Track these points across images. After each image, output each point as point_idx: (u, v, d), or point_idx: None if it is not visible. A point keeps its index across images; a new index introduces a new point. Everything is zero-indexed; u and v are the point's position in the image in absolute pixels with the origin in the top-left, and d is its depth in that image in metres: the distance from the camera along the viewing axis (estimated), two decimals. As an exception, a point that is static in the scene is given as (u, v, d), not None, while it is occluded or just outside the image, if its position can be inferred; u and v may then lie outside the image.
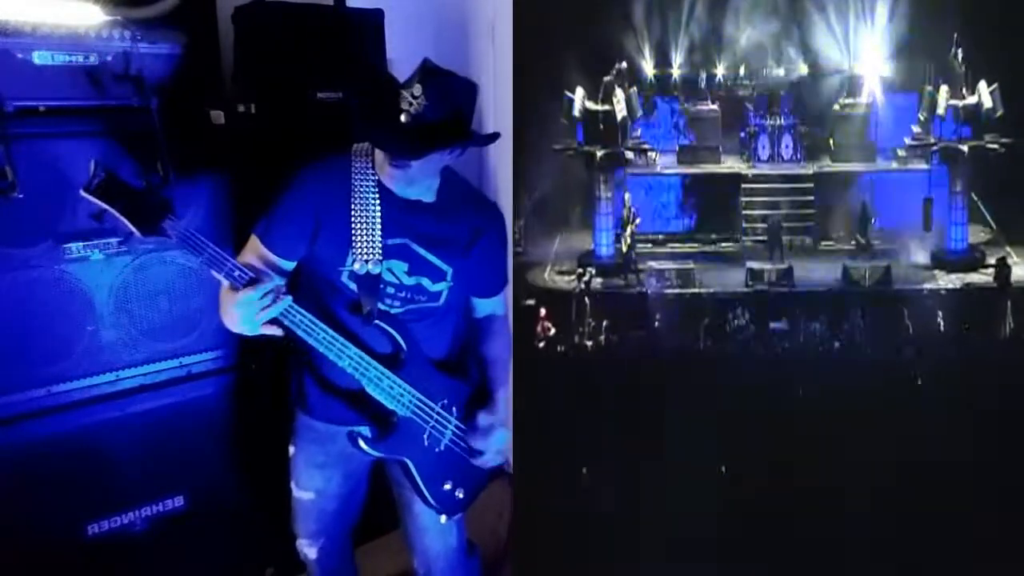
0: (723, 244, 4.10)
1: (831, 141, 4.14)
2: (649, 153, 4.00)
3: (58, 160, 2.23)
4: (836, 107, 4.11)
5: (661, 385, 3.17)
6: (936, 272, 3.76)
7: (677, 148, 4.16)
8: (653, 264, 3.81)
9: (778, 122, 4.12)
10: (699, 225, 4.17)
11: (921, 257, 3.84)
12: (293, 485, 2.18)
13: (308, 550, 2.25)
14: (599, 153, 3.79)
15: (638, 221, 3.79)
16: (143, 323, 2.44)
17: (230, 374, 2.64)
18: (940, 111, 3.74)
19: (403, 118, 1.74)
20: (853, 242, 3.96)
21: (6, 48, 2.12)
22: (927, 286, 3.68)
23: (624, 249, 3.75)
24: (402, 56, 3.10)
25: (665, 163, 4.12)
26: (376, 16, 2.88)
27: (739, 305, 3.60)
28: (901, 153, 4.01)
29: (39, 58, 2.17)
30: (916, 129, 3.94)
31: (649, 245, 4.01)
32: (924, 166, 3.89)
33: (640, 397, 3.16)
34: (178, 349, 2.52)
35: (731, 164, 4.17)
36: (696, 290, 3.70)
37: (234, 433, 2.65)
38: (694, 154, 4.14)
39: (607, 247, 3.84)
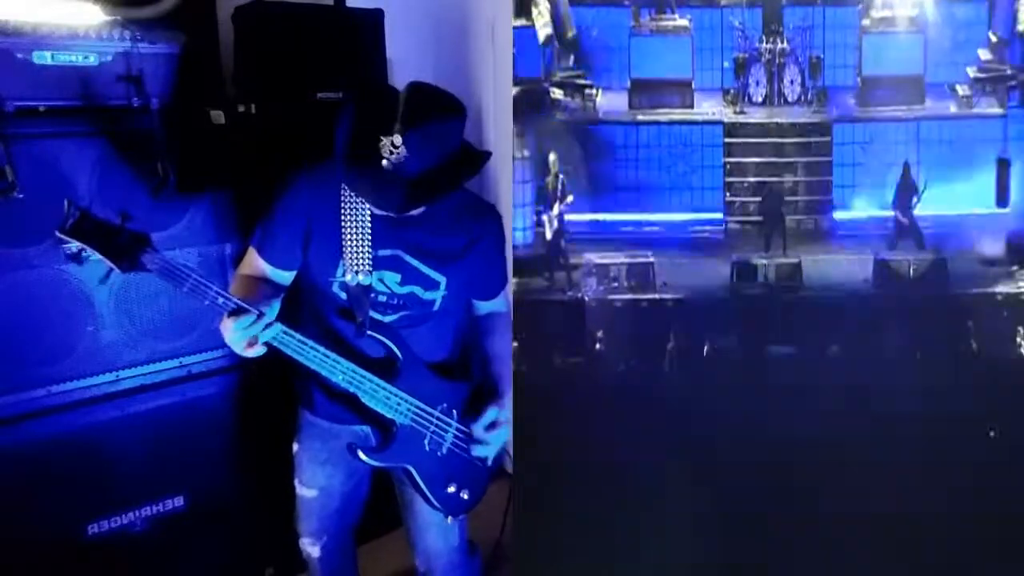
0: (698, 228, 2.90)
1: (859, 75, 2.92)
2: (587, 91, 2.88)
3: (58, 160, 2.23)
4: (865, 22, 2.84)
5: (605, 440, 2.31)
6: (1015, 269, 2.70)
7: (629, 84, 2.92)
8: (593, 257, 2.69)
9: (779, 45, 2.86)
10: (661, 199, 2.92)
11: (992, 246, 2.77)
12: (297, 482, 2.18)
13: (311, 548, 2.25)
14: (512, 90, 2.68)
15: (571, 199, 2.74)
16: (143, 323, 2.44)
17: (230, 374, 2.64)
18: (1021, 27, 2.65)
19: (384, 164, 1.69)
20: (891, 223, 2.79)
21: (6, 48, 2.12)
22: (1001, 289, 2.62)
23: (549, 235, 2.72)
24: (402, 56, 3.11)
25: (611, 107, 2.95)
26: (376, 16, 2.88)
27: (722, 318, 2.56)
28: (962, 91, 2.85)
29: (39, 58, 2.17)
30: (985, 55, 2.81)
31: (586, 228, 2.86)
32: (997, 110, 2.79)
33: (573, 457, 2.31)
34: (178, 349, 2.52)
35: (709, 108, 2.95)
36: (658, 295, 2.62)
37: (234, 433, 2.65)
38: (654, 93, 2.92)
39: (524, 232, 2.80)
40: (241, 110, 2.61)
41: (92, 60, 2.25)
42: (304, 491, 2.17)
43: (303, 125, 2.60)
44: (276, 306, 1.91)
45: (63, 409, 2.33)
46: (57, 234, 1.68)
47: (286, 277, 1.95)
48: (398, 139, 1.67)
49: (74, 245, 1.70)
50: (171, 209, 2.43)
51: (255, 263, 1.94)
